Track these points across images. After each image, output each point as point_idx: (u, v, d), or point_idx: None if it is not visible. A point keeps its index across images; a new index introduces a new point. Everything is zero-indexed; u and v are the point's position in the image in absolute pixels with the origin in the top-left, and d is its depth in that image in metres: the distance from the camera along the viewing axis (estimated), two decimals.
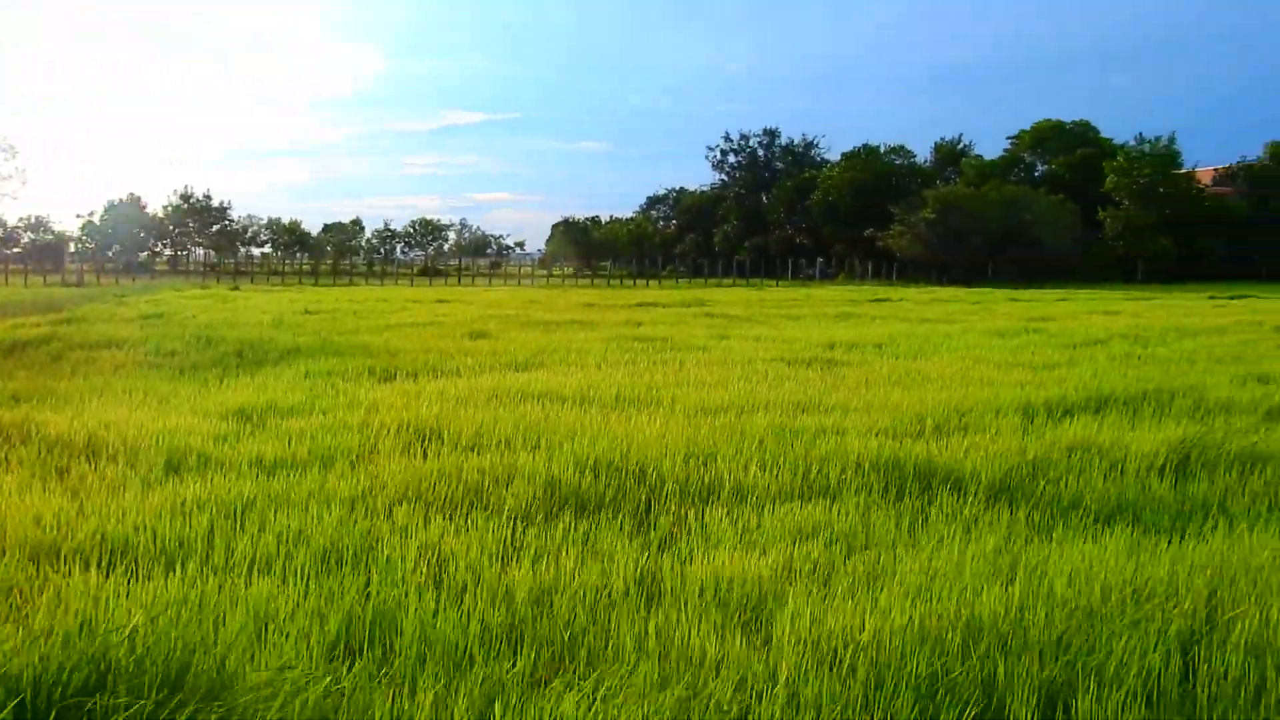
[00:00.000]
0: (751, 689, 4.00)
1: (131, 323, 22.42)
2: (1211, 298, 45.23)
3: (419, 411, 9.88)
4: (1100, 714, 3.92)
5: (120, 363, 14.67)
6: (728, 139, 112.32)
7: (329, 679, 3.95)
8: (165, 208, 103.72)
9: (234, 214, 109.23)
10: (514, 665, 4.22)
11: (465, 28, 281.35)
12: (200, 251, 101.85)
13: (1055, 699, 4.05)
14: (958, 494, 7.07)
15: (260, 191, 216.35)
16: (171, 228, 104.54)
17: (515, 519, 6.32)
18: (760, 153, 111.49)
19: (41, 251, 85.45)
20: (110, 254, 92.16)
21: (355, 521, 6.22)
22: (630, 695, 3.92)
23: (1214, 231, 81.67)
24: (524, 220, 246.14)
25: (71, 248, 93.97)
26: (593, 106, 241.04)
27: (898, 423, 9.60)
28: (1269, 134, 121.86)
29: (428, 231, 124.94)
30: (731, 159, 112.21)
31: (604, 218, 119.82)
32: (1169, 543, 6.03)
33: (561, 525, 6.22)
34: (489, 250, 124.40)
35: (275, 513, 6.35)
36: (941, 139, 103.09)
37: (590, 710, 3.82)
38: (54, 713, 3.52)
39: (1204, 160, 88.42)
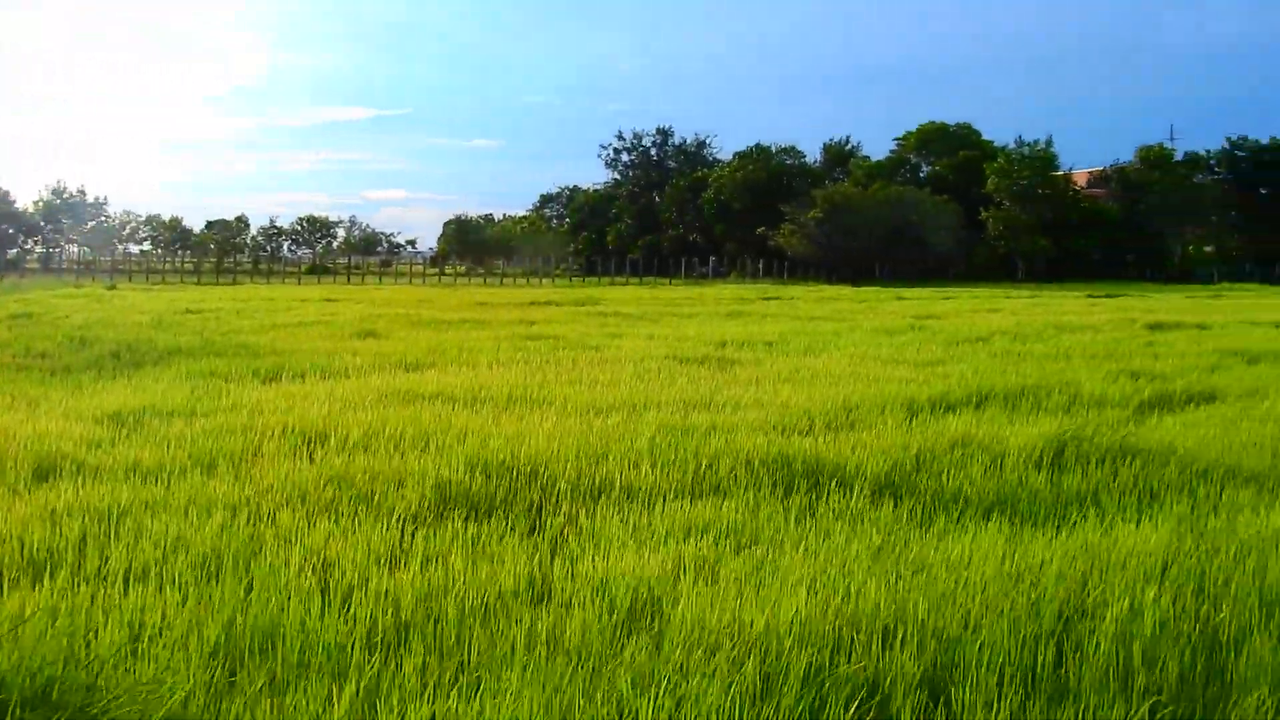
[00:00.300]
0: (640, 686, 4.01)
1: None
2: (1088, 296, 46.96)
3: (305, 413, 9.68)
4: (978, 700, 4.03)
5: None
6: (621, 137, 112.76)
7: (207, 688, 3.85)
8: (36, 203, 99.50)
9: (110, 210, 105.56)
10: (400, 668, 4.17)
11: (351, 21, 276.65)
12: (75, 249, 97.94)
13: (936, 687, 4.15)
14: (844, 489, 7.19)
15: (140, 187, 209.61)
16: (43, 224, 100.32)
17: (404, 522, 6.23)
18: (653, 151, 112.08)
19: None
20: None
21: (238, 527, 6.06)
22: (516, 695, 3.90)
23: (1089, 232, 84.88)
24: (416, 218, 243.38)
25: None
26: (485, 104, 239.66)
27: (787, 419, 9.73)
28: (1140, 139, 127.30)
29: (316, 229, 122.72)
30: (625, 157, 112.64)
31: (497, 216, 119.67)
32: (1045, 534, 6.23)
33: (451, 527, 6.16)
34: (379, 248, 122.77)
35: (153, 519, 6.15)
36: (831, 140, 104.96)
37: (474, 711, 3.79)
38: None
39: (1079, 163, 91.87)
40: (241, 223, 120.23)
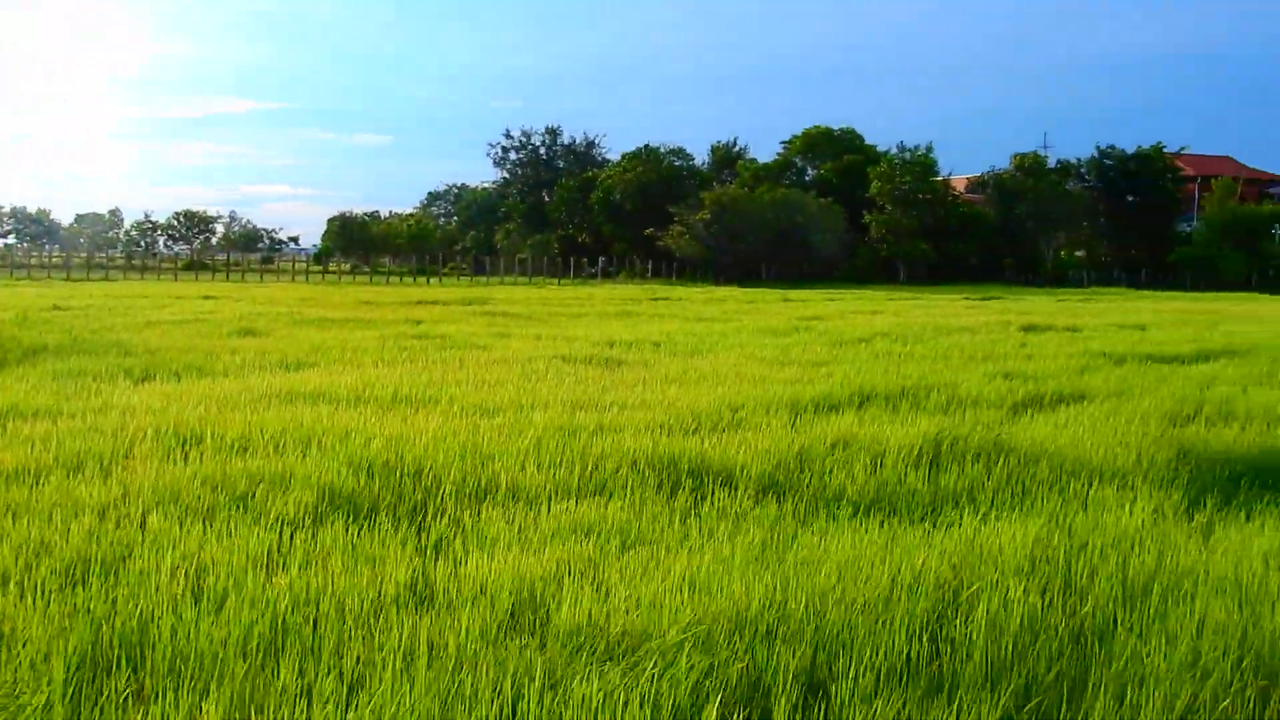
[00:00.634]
0: (521, 689, 3.98)
1: None
2: (966, 299, 48.33)
3: (180, 414, 9.38)
4: (857, 693, 4.11)
5: None
6: (509, 136, 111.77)
7: (67, 700, 3.69)
8: None
9: None
10: (275, 676, 4.06)
11: (230, 9, 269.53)
12: None
13: (816, 682, 4.22)
14: (729, 489, 7.26)
15: (3, 178, 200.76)
16: None
17: (282, 525, 6.08)
18: (542, 151, 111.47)
19: None
20: None
21: (106, 531, 5.84)
22: (396, 700, 3.84)
23: (968, 236, 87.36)
24: (299, 214, 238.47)
25: None
26: (371, 98, 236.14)
27: (673, 420, 9.79)
28: (1015, 147, 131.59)
29: (194, 224, 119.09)
30: (513, 156, 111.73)
31: (384, 213, 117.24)
32: (922, 531, 6.39)
33: (331, 530, 6.03)
34: (261, 245, 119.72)
35: (14, 523, 5.90)
36: (718, 141, 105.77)
37: (352, 718, 3.72)
38: None
39: (959, 169, 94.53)
40: (114, 216, 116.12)
